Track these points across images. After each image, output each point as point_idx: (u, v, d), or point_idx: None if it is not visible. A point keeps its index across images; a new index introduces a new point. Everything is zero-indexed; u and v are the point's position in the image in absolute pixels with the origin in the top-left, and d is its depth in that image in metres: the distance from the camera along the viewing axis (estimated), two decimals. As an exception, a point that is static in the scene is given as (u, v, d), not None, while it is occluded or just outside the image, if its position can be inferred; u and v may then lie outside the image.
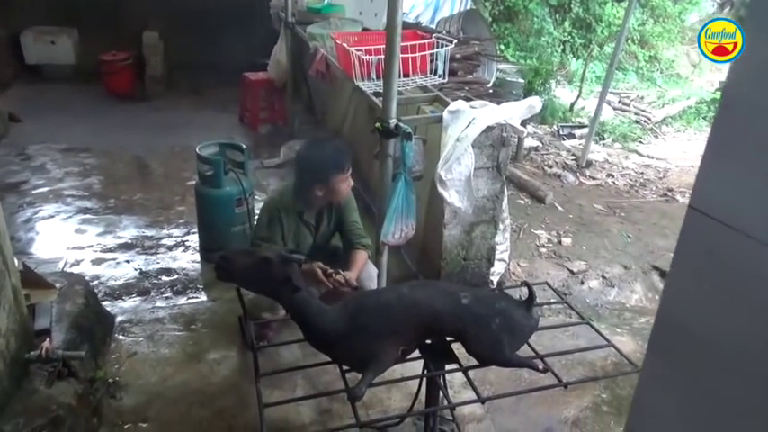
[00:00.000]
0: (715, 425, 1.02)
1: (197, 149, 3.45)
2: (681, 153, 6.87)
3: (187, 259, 3.71)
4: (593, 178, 5.81)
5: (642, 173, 6.13)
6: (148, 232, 3.98)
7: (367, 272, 2.81)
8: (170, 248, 3.81)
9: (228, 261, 1.85)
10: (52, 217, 4.11)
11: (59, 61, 6.85)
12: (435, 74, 3.57)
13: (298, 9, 5.25)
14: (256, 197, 3.65)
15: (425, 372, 2.08)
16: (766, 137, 0.85)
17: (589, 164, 5.98)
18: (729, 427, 1.00)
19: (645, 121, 7.66)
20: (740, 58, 0.89)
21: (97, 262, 3.61)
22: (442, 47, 3.45)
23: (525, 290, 1.99)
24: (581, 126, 7.02)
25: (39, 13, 6.87)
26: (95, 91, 6.56)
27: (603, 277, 4.06)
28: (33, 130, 5.46)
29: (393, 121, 2.54)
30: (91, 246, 3.78)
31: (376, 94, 3.17)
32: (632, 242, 4.54)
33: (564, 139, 6.77)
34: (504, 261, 3.71)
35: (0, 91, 6.21)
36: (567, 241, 4.43)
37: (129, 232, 3.97)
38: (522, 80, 6.78)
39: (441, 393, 2.05)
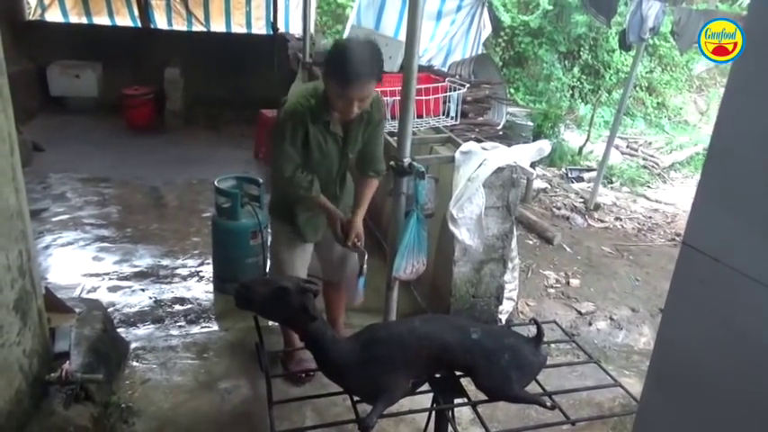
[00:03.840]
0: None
1: (215, 182, 3.56)
2: (689, 198, 6.89)
3: (201, 289, 3.78)
4: (602, 221, 5.87)
5: (650, 217, 6.18)
6: (164, 262, 4.06)
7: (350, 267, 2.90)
8: (184, 278, 3.88)
9: (248, 289, 1.91)
10: (71, 244, 4.21)
11: (83, 94, 7.10)
12: (447, 115, 3.69)
13: (315, 50, 5.44)
14: (269, 231, 3.74)
15: (434, 405, 2.11)
16: (745, 183, 0.96)
17: (597, 207, 6.06)
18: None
19: (653, 167, 7.76)
20: (721, 119, 0.99)
21: (113, 289, 3.69)
22: (455, 90, 3.59)
23: (533, 328, 2.04)
24: (589, 169, 7.13)
25: (65, 48, 7.16)
26: (116, 123, 6.77)
27: (611, 319, 4.08)
28: (55, 160, 5.63)
29: (407, 160, 2.62)
30: (107, 273, 3.86)
31: (390, 133, 3.29)
32: (640, 285, 4.57)
33: (572, 182, 6.86)
34: (513, 300, 3.76)
35: (25, 121, 6.39)
36: (575, 282, 4.47)
37: (144, 261, 4.05)
38: (531, 123, 6.96)
39: (449, 427, 2.08)
